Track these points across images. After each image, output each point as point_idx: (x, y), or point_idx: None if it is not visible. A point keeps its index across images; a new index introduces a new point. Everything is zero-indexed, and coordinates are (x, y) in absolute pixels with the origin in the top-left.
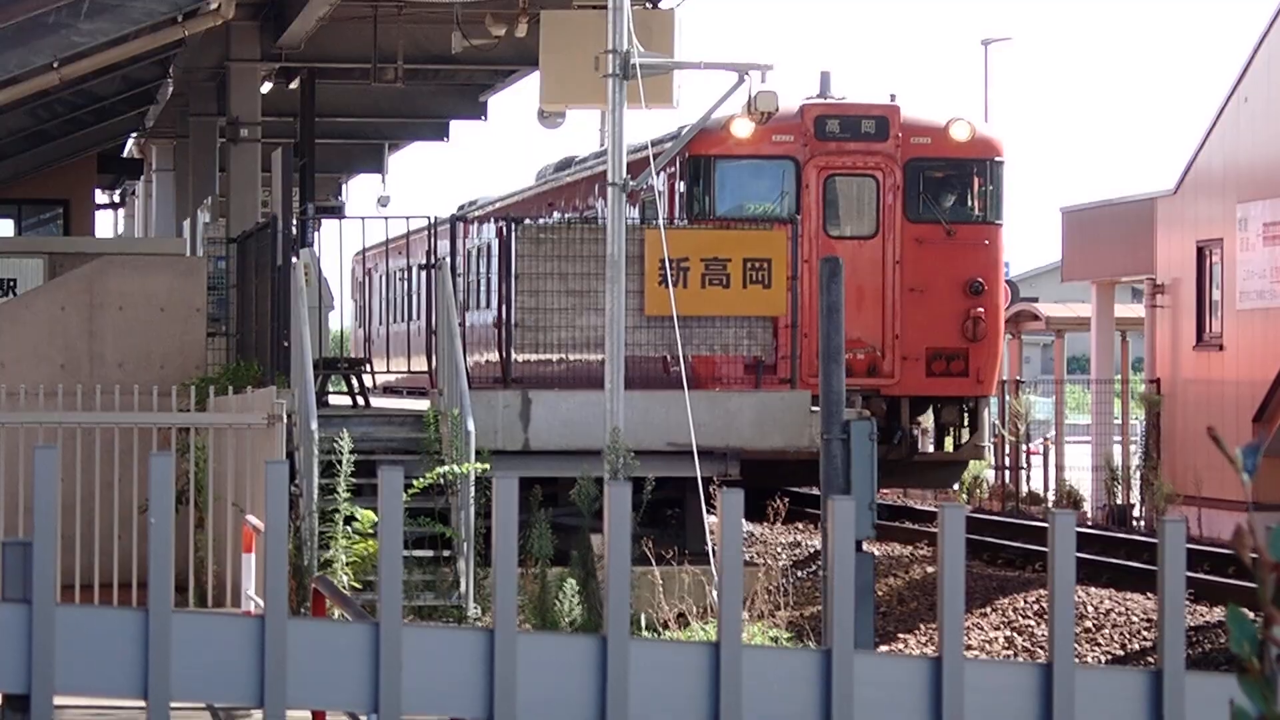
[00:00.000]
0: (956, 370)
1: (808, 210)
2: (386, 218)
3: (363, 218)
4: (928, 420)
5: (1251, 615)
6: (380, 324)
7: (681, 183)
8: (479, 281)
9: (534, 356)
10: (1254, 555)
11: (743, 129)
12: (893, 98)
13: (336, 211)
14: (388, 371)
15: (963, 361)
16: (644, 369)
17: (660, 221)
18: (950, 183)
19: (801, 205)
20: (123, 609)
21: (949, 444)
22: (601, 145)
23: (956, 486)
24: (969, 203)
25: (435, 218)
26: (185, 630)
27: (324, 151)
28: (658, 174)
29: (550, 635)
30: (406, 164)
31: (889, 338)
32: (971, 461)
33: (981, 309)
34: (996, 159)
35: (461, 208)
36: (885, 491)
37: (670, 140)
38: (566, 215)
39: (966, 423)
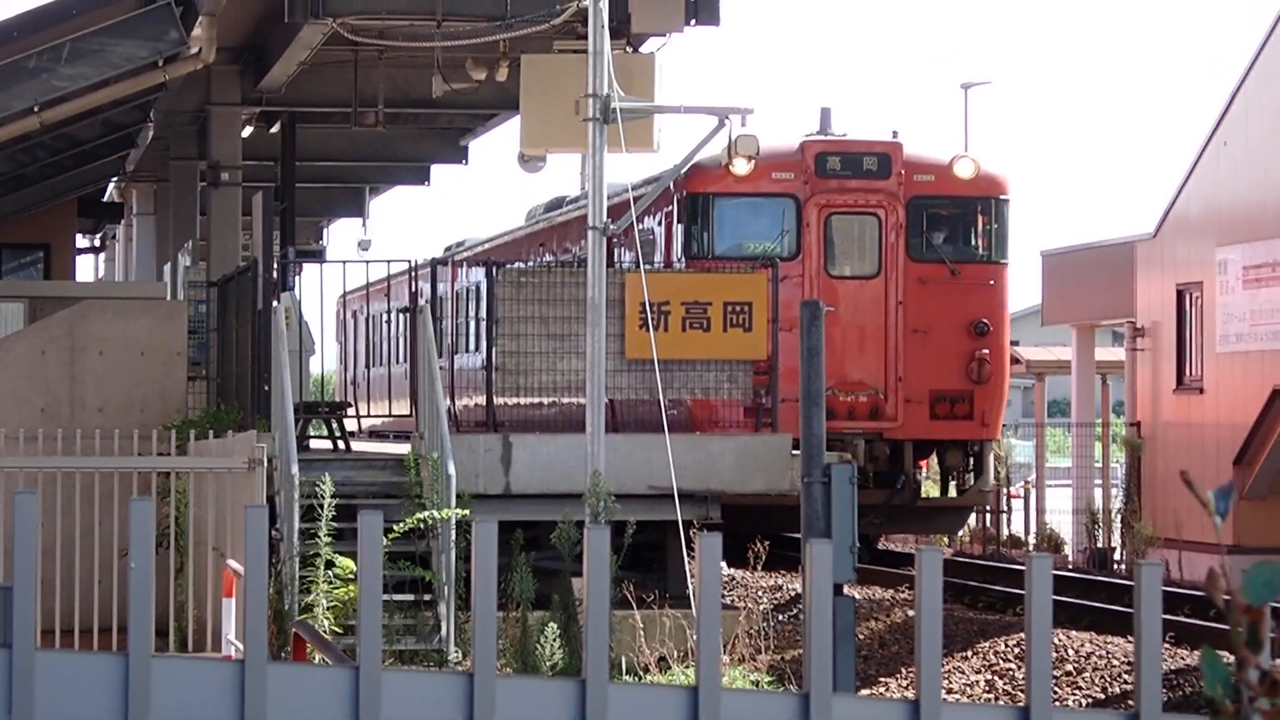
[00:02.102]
0: (961, 413)
1: (808, 249)
2: (367, 261)
3: (344, 261)
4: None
5: (1226, 657)
6: (365, 367)
7: (679, 221)
8: (465, 324)
9: (523, 400)
10: (1227, 598)
11: (742, 166)
12: (895, 134)
13: (317, 255)
14: (372, 415)
15: (967, 404)
16: (637, 412)
17: (642, 264)
18: (954, 221)
19: (802, 244)
20: (103, 653)
21: (953, 489)
22: (582, 188)
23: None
24: (973, 242)
25: (415, 261)
26: (165, 674)
27: (305, 195)
28: (654, 213)
29: (529, 679)
30: (387, 208)
31: (892, 380)
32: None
33: (986, 350)
34: (1001, 197)
35: (449, 249)
36: (895, 538)
37: (650, 184)
38: (558, 255)
39: (971, 467)
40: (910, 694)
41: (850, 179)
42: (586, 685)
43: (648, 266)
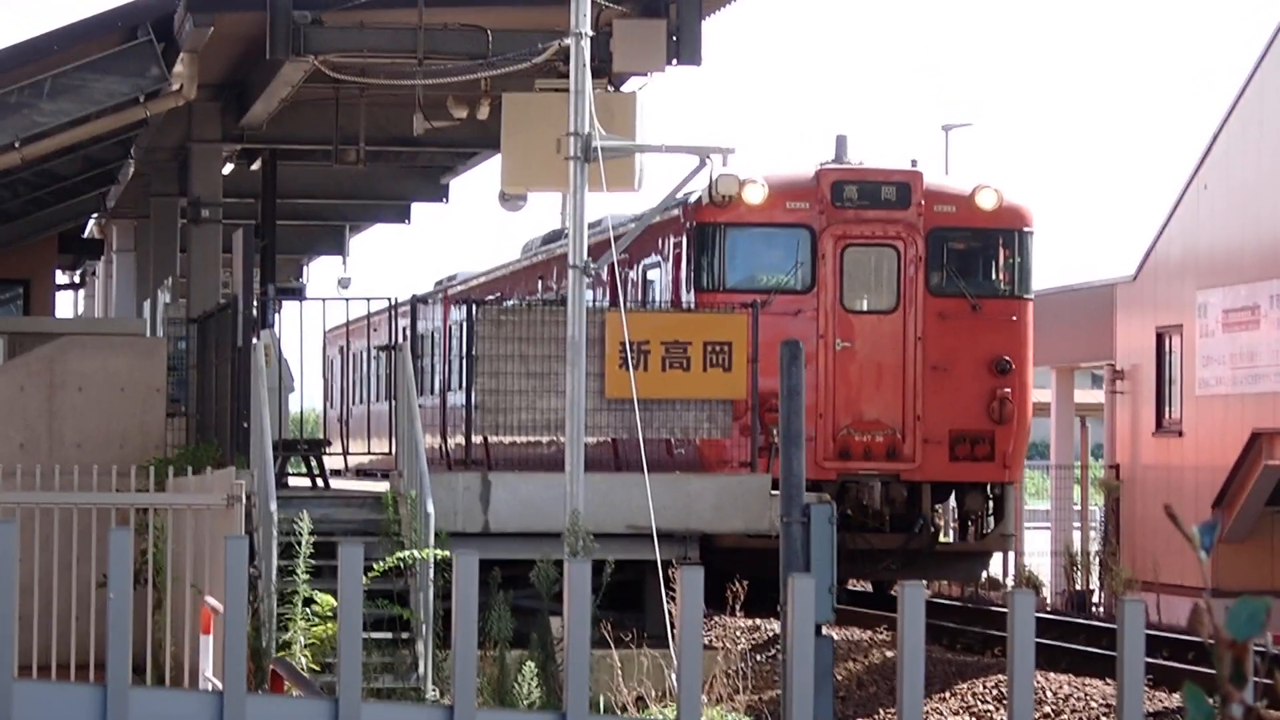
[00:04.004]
0: (981, 454)
1: (824, 282)
2: (348, 299)
3: (324, 299)
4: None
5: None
6: (352, 404)
7: (689, 253)
8: (450, 361)
9: (505, 439)
10: (1210, 640)
11: (755, 195)
12: (914, 163)
13: (297, 293)
14: (353, 453)
15: (988, 445)
16: (637, 451)
17: (624, 303)
18: (976, 254)
19: (817, 277)
20: (81, 684)
21: (972, 534)
22: (563, 225)
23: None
24: (995, 275)
25: (395, 299)
26: (143, 705)
27: (285, 233)
28: (662, 245)
29: (510, 712)
30: (367, 246)
31: (910, 419)
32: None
33: (1009, 389)
34: (1025, 229)
35: (439, 283)
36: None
37: (633, 222)
38: (558, 289)
39: (991, 510)
40: None
41: (868, 209)
42: (567, 719)
43: (651, 303)
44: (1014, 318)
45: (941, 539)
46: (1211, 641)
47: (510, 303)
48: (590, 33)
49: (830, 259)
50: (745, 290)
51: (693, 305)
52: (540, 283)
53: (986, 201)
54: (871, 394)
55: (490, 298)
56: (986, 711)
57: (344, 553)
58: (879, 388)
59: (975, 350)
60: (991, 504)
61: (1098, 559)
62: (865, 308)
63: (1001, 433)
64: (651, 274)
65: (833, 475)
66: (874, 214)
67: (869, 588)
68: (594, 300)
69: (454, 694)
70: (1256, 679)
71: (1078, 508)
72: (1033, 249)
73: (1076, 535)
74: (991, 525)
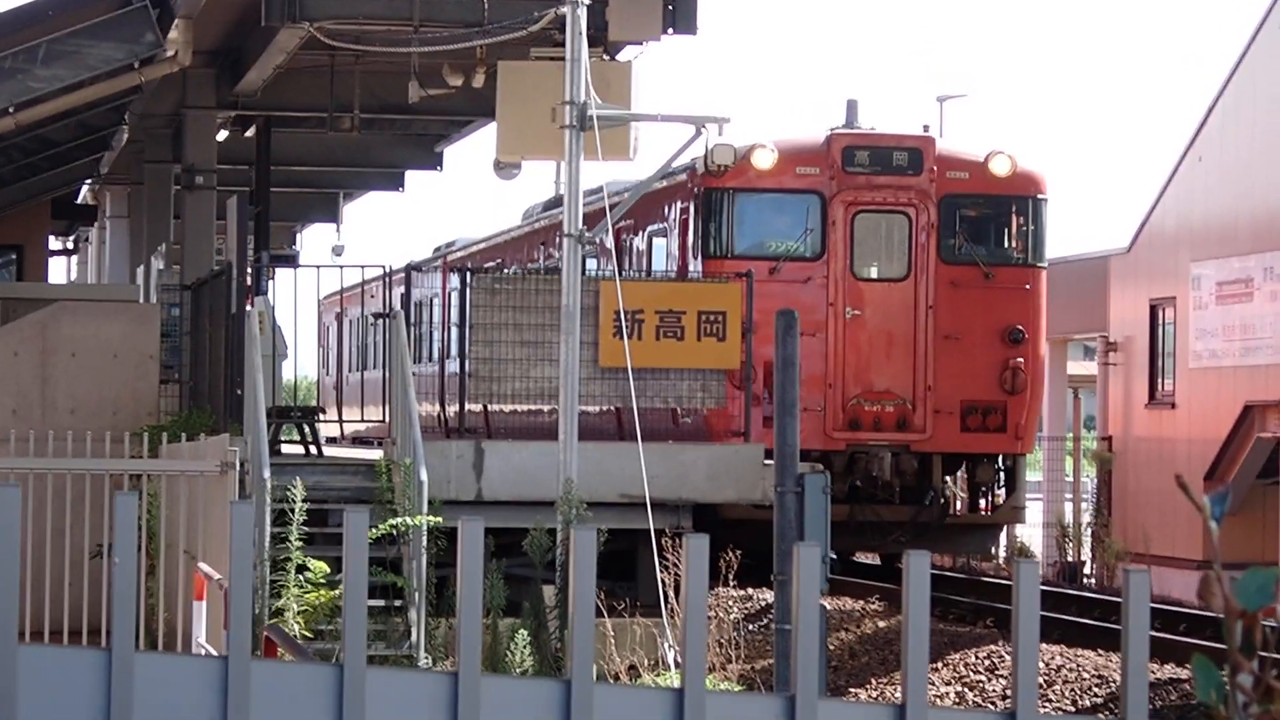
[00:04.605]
0: (993, 425)
1: (834, 249)
2: (342, 266)
3: (318, 266)
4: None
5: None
6: (348, 372)
7: (696, 219)
8: (449, 329)
9: (506, 408)
10: (1217, 613)
11: (764, 159)
12: (925, 129)
13: (291, 260)
14: (347, 420)
15: (1000, 416)
16: (648, 419)
17: (616, 272)
18: (989, 221)
19: (827, 244)
20: (86, 649)
21: (983, 505)
22: (557, 193)
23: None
24: (1009, 243)
25: (390, 267)
26: (148, 671)
27: (279, 200)
28: (668, 210)
29: (514, 679)
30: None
31: (920, 389)
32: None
33: (1021, 359)
34: (1039, 196)
35: (438, 249)
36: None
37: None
38: (559, 256)
39: (1003, 482)
40: (869, 701)
41: (879, 175)
42: (572, 686)
43: (658, 271)
44: (1027, 286)
45: (953, 511)
46: (1222, 614)
47: (510, 270)
48: (586, 1)
49: (841, 225)
50: (753, 257)
51: (700, 273)
52: (542, 249)
53: (1000, 168)
54: (882, 364)
55: (490, 264)
56: (978, 682)
57: (350, 519)
58: (889, 357)
59: (988, 319)
60: (1003, 475)
61: (1089, 530)
62: (876, 275)
63: (1014, 403)
64: (658, 241)
65: (842, 446)
66: (885, 180)
67: (878, 560)
68: (599, 268)
69: (459, 661)
70: (1264, 653)
71: (1070, 479)
72: (1046, 217)
73: (1068, 507)
74: (1003, 497)
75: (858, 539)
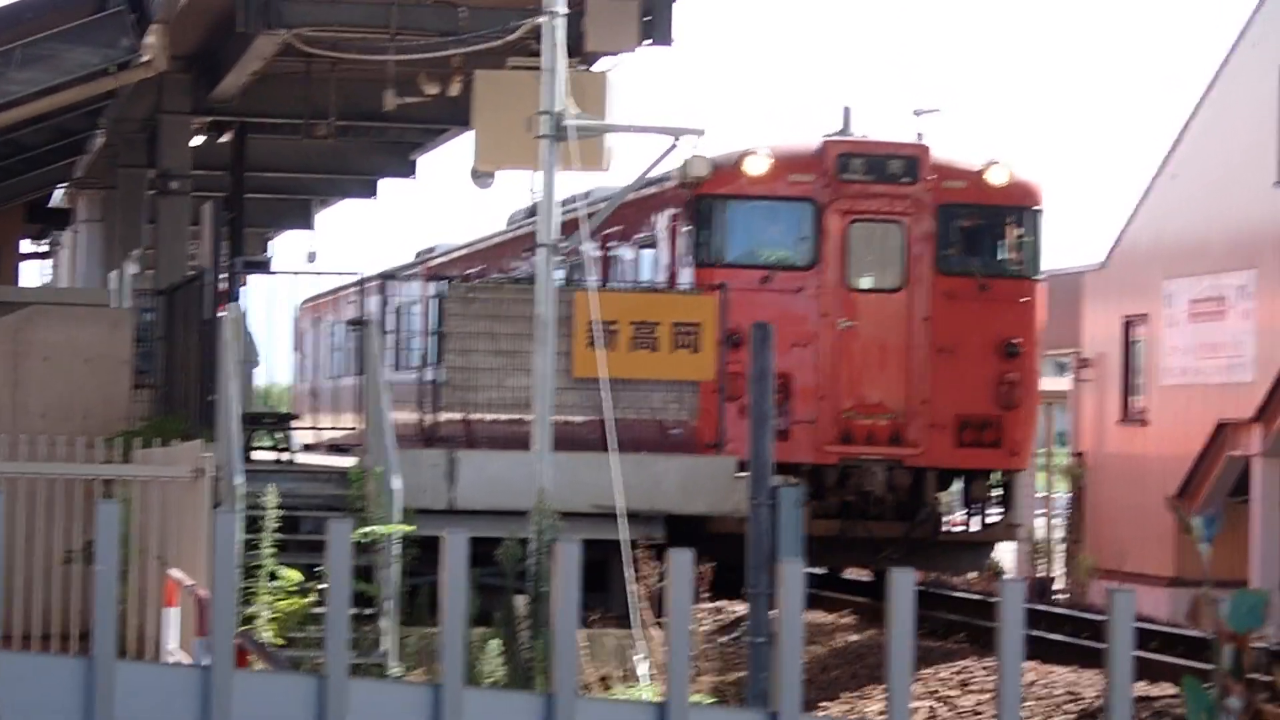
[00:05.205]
0: (989, 440)
1: (827, 259)
2: (319, 273)
3: (294, 273)
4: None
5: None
6: (325, 379)
7: (687, 226)
8: (430, 336)
9: (488, 416)
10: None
11: (757, 166)
12: (920, 137)
13: (263, 266)
14: (325, 428)
15: (995, 431)
16: (634, 430)
17: (589, 282)
18: (985, 232)
19: (820, 253)
20: (66, 656)
21: (976, 522)
22: (531, 202)
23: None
24: (1005, 254)
25: (365, 275)
26: (129, 679)
27: (251, 206)
28: (657, 217)
29: (497, 691)
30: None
31: (914, 403)
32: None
33: (1017, 374)
34: (1035, 207)
35: (420, 255)
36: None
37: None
38: None
39: (1000, 499)
40: (853, 717)
41: (874, 183)
42: (555, 699)
43: (646, 280)
44: (1023, 299)
45: (946, 528)
46: (1213, 634)
47: (492, 278)
48: (564, 12)
49: (835, 234)
50: (745, 266)
51: (691, 282)
52: (527, 255)
53: (998, 177)
54: (875, 376)
55: (473, 271)
56: (950, 696)
57: (333, 529)
58: (883, 370)
59: (983, 332)
60: (1000, 492)
61: (1064, 546)
62: (870, 286)
63: (1010, 419)
64: (647, 249)
65: (834, 460)
66: (880, 188)
67: (870, 576)
68: (579, 277)
69: (442, 672)
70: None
71: (1042, 495)
72: (1042, 228)
73: (1040, 523)
74: (1000, 515)
75: (849, 555)
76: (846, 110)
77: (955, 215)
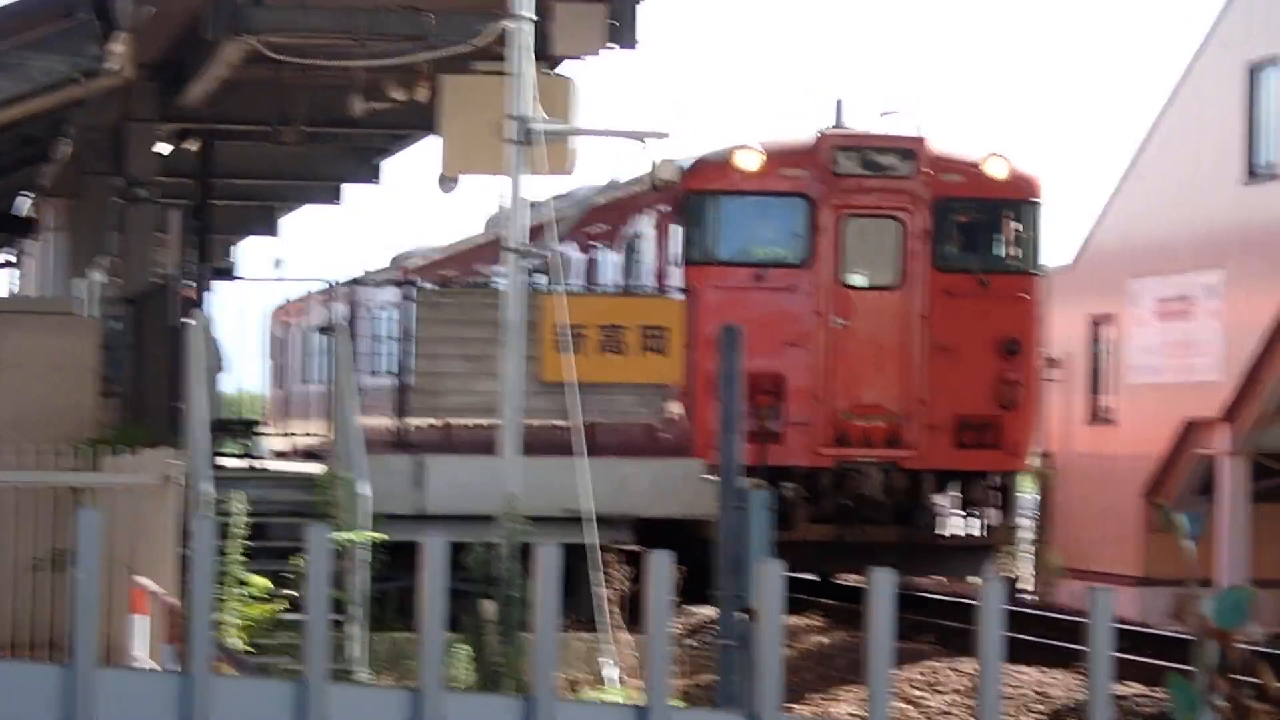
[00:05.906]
0: (988, 441)
1: (821, 255)
2: (287, 279)
3: (262, 279)
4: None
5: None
6: (296, 385)
7: (678, 223)
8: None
9: (469, 421)
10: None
11: (749, 161)
12: (917, 129)
13: (228, 273)
14: (296, 434)
15: (995, 432)
16: (620, 434)
17: (557, 286)
18: (984, 227)
19: (815, 249)
20: (44, 664)
21: (974, 525)
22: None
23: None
24: (1004, 250)
25: (335, 281)
26: (108, 686)
27: (216, 212)
28: (647, 214)
29: (478, 695)
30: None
31: (912, 403)
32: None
33: (1017, 373)
34: (1035, 200)
35: (396, 258)
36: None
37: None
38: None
39: (1000, 502)
40: (835, 716)
41: (870, 178)
42: (535, 702)
43: (635, 282)
44: (1024, 295)
45: (945, 531)
46: (1195, 634)
47: (462, 283)
48: (531, 17)
49: (829, 231)
50: (737, 264)
51: (682, 280)
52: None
53: (997, 170)
54: (872, 376)
55: (449, 274)
56: (920, 698)
57: (312, 535)
58: (880, 370)
59: (983, 330)
60: (999, 495)
61: (1033, 546)
62: (866, 284)
63: (1009, 419)
64: (636, 247)
65: (830, 463)
66: (876, 183)
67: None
68: (551, 280)
69: (421, 678)
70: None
71: None
72: (1042, 222)
73: None
74: (999, 517)
75: (845, 560)
76: (839, 102)
77: (953, 209)
